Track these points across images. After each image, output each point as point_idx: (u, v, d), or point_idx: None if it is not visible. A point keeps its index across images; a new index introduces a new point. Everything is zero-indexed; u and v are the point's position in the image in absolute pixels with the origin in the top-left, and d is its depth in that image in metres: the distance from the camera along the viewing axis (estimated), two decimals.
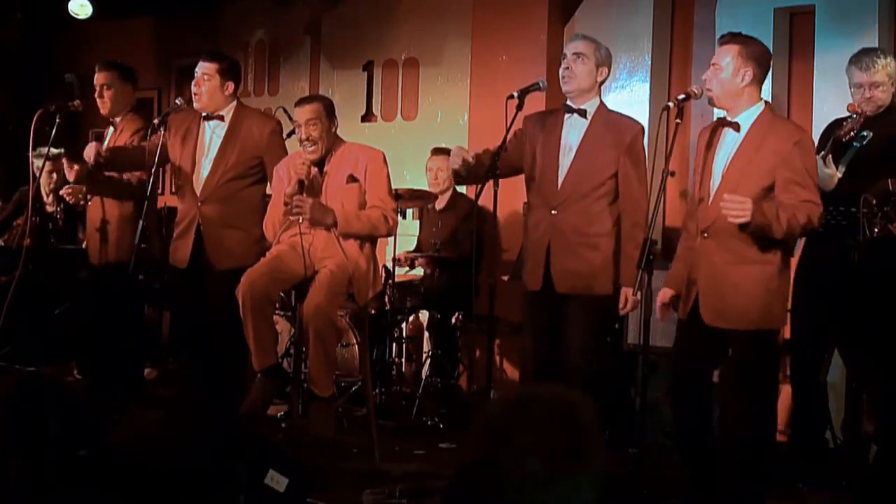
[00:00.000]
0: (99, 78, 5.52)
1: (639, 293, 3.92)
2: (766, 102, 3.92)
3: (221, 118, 5.12)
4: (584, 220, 4.33)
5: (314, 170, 4.72)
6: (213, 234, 5.06)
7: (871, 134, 4.39)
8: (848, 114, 4.53)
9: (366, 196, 4.78)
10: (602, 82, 4.44)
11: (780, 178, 3.76)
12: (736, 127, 3.87)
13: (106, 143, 5.52)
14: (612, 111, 4.51)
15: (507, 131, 4.34)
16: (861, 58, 4.51)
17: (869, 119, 4.46)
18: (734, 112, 3.90)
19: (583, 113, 4.39)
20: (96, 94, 5.53)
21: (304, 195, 4.63)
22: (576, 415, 1.71)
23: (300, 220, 4.65)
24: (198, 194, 5.09)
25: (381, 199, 4.79)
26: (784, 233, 3.72)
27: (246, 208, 5.09)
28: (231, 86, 5.14)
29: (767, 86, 5.56)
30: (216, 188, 5.06)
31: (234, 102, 5.18)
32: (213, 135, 5.13)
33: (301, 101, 4.86)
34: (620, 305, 4.30)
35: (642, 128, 4.46)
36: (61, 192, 5.57)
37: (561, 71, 4.40)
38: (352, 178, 4.76)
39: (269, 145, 5.09)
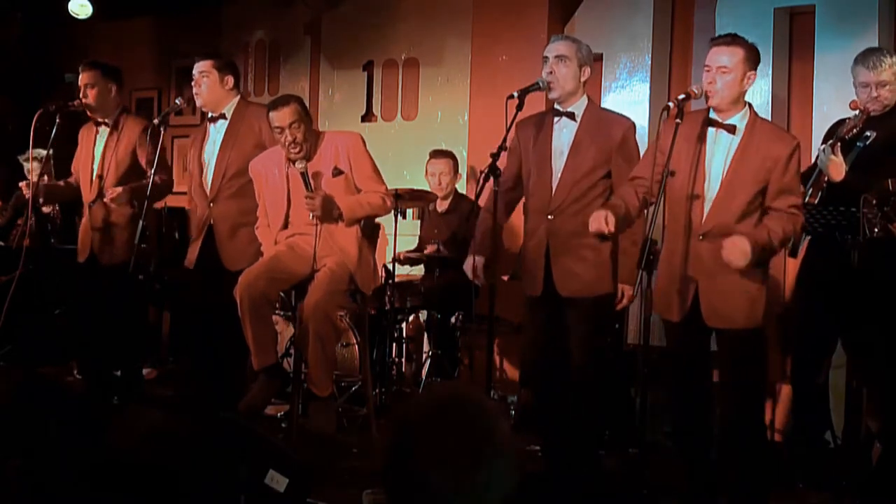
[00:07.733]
0: (82, 77, 5.52)
1: (637, 290, 3.91)
2: (748, 103, 3.89)
3: (224, 116, 5.13)
4: (581, 223, 4.27)
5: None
6: (225, 234, 5.07)
7: (875, 134, 4.37)
8: (853, 112, 4.52)
9: (356, 182, 4.80)
10: (585, 82, 4.38)
11: (774, 185, 3.78)
12: (730, 129, 3.84)
13: (103, 144, 5.53)
14: (602, 109, 4.46)
15: (507, 131, 4.33)
16: (868, 57, 4.49)
17: (872, 119, 4.45)
18: (726, 115, 3.85)
19: (571, 115, 4.36)
20: (80, 94, 5.51)
21: (313, 192, 4.65)
22: (474, 415, 1.67)
23: (311, 217, 4.69)
24: (208, 195, 5.10)
25: (372, 181, 4.82)
26: (779, 248, 3.88)
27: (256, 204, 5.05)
28: (230, 79, 5.15)
29: (767, 86, 5.58)
30: (223, 186, 5.08)
31: (237, 99, 5.18)
32: (217, 135, 5.15)
33: (277, 105, 4.69)
34: (617, 300, 4.30)
35: (633, 124, 4.42)
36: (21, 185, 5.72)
37: (544, 75, 4.34)
38: (337, 171, 4.77)
39: (271, 137, 4.96)
